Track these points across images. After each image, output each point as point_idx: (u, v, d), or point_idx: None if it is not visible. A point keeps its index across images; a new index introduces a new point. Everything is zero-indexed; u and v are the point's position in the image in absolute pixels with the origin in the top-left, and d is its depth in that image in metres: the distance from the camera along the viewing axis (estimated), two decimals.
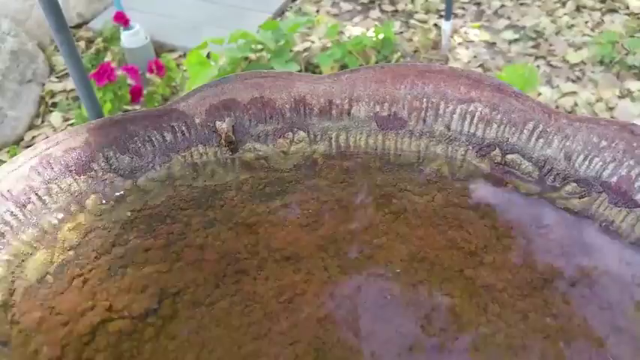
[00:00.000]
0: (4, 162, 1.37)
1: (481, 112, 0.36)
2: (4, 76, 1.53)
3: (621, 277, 0.31)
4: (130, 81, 1.43)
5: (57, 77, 1.68)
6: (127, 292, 0.34)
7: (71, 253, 0.34)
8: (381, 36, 1.59)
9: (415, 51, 1.68)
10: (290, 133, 0.38)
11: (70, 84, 1.60)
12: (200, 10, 1.86)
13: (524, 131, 0.35)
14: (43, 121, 1.55)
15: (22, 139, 1.50)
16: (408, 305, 0.36)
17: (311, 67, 1.59)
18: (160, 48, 1.70)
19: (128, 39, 1.56)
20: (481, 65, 1.63)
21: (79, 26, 1.85)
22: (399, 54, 1.61)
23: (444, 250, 0.36)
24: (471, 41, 1.73)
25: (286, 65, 1.45)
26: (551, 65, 1.62)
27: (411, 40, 1.74)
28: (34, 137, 1.50)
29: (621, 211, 0.32)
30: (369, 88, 0.38)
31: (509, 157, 0.35)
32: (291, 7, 1.91)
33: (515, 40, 1.72)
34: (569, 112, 1.45)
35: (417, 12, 1.87)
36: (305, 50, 1.68)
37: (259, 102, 0.38)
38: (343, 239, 0.37)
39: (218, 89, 0.38)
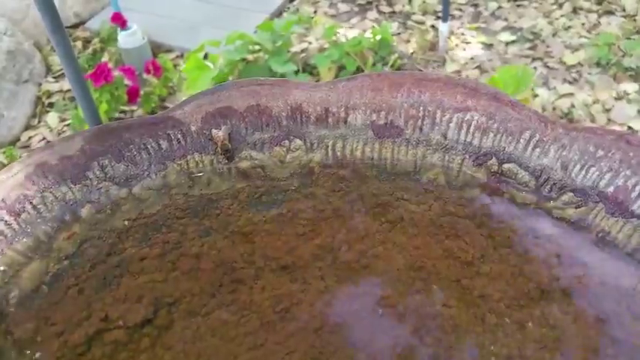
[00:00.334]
0: (0, 162, 1.36)
1: (477, 121, 0.36)
2: (0, 76, 1.52)
3: (618, 287, 0.31)
4: (126, 82, 1.43)
5: (54, 77, 1.67)
6: (123, 301, 0.34)
7: (66, 262, 0.34)
8: (378, 37, 1.59)
9: (412, 52, 1.68)
10: (286, 142, 0.38)
11: (66, 84, 1.59)
12: (197, 11, 1.86)
13: (521, 140, 0.35)
14: (39, 122, 1.55)
15: (18, 140, 1.49)
16: (404, 315, 0.36)
17: (308, 68, 1.59)
18: (157, 48, 1.70)
19: (125, 39, 1.55)
20: (478, 67, 1.63)
21: (76, 26, 1.84)
22: (396, 55, 1.61)
23: (440, 260, 0.35)
24: (468, 43, 1.73)
25: (284, 66, 1.45)
26: (547, 67, 1.63)
27: (408, 41, 1.74)
28: (30, 137, 1.50)
29: (618, 221, 0.32)
30: (365, 97, 0.38)
31: (505, 166, 0.35)
32: (288, 8, 1.91)
33: (512, 42, 1.73)
34: (566, 114, 1.45)
35: (414, 13, 1.87)
36: (302, 51, 1.67)
37: (256, 110, 0.38)
38: (340, 248, 0.37)
39: (214, 97, 0.38)
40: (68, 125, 1.50)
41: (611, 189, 0.33)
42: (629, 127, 1.41)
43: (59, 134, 1.49)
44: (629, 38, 1.67)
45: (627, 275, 0.31)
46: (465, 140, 0.36)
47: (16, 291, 0.32)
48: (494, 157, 0.35)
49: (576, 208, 0.33)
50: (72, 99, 1.56)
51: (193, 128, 0.37)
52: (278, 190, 0.38)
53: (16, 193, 0.33)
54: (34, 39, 1.71)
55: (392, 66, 1.58)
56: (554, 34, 1.74)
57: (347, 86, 0.38)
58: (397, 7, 1.91)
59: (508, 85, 1.30)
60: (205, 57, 1.48)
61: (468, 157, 0.36)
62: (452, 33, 1.75)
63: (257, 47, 1.51)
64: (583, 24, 1.77)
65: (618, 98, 1.50)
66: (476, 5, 1.90)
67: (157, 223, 0.36)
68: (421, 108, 0.37)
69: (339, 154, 0.38)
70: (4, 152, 1.42)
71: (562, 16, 1.81)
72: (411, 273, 0.36)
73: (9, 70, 1.55)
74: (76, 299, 0.33)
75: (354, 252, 0.37)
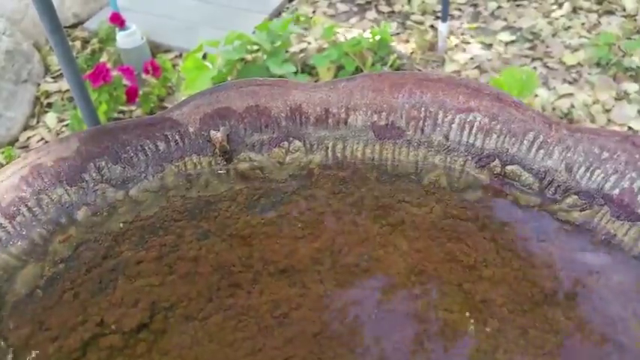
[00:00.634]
0: (0, 162, 1.36)
1: (480, 122, 0.35)
2: None
3: (624, 292, 0.30)
4: (125, 82, 1.42)
5: (52, 77, 1.67)
6: (119, 306, 0.34)
7: (62, 266, 0.33)
8: (377, 37, 1.59)
9: (412, 52, 1.68)
10: (286, 143, 0.37)
11: (65, 84, 1.59)
12: (196, 11, 1.85)
13: (525, 142, 0.34)
14: (38, 122, 1.54)
15: (16, 140, 1.49)
16: (405, 320, 0.35)
17: (307, 69, 1.58)
18: (155, 48, 1.69)
19: (124, 40, 1.55)
20: (477, 67, 1.63)
21: (74, 26, 1.84)
22: (395, 55, 1.61)
23: (442, 264, 0.35)
24: (468, 43, 1.73)
25: (282, 66, 1.44)
26: (547, 67, 1.62)
27: (407, 41, 1.73)
28: (29, 138, 1.49)
29: (624, 224, 0.32)
30: (366, 97, 0.37)
31: (509, 168, 0.35)
32: (287, 8, 1.90)
33: (512, 42, 1.72)
34: (566, 114, 1.45)
35: (413, 13, 1.86)
36: (301, 51, 1.67)
37: (254, 110, 0.37)
38: (340, 252, 0.36)
39: (212, 97, 0.37)
40: (67, 126, 1.49)
41: (616, 191, 0.32)
42: (630, 128, 1.41)
43: (58, 134, 1.48)
44: (629, 38, 1.67)
45: (633, 279, 0.30)
46: (467, 141, 0.35)
47: (10, 295, 0.32)
48: (497, 159, 0.35)
49: (581, 210, 0.33)
50: (70, 99, 1.55)
51: (191, 129, 0.36)
52: (277, 192, 0.37)
53: (11, 195, 0.33)
54: (33, 39, 1.71)
55: (391, 66, 1.57)
56: (553, 34, 1.73)
57: (347, 87, 0.37)
58: (396, 7, 1.90)
59: (512, 88, 1.29)
60: (204, 57, 1.48)
61: (470, 158, 0.35)
62: (451, 33, 1.74)
63: (255, 47, 1.50)
64: (583, 24, 1.77)
65: (618, 98, 1.49)
66: (475, 5, 1.89)
67: (153, 226, 0.35)
68: (423, 109, 0.36)
69: (339, 155, 0.37)
70: (2, 152, 1.41)
71: (562, 16, 1.81)
72: (411, 277, 0.35)
73: (8, 70, 1.55)
74: (71, 303, 0.33)
75: (354, 255, 0.36)
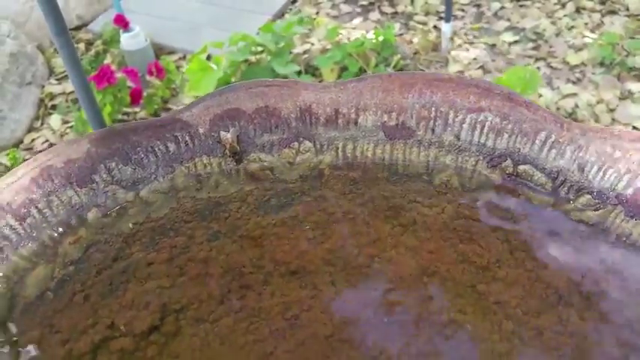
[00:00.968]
0: (4, 164, 1.36)
1: (491, 122, 0.35)
2: (3, 78, 1.52)
3: None
4: (129, 83, 1.42)
5: (56, 79, 1.67)
6: (129, 308, 0.33)
7: (72, 268, 0.33)
8: (380, 38, 1.59)
9: (415, 53, 1.68)
10: (296, 143, 0.37)
11: (69, 86, 1.59)
12: (200, 13, 1.85)
13: (536, 141, 0.34)
14: (42, 124, 1.54)
15: (21, 142, 1.49)
16: (418, 322, 0.35)
17: (311, 70, 1.58)
18: (159, 50, 1.69)
19: (128, 41, 1.55)
20: (481, 67, 1.63)
21: (78, 28, 1.84)
22: (398, 56, 1.60)
23: (455, 265, 0.35)
24: (471, 43, 1.72)
25: (286, 67, 1.44)
26: (551, 67, 1.62)
27: (410, 42, 1.73)
28: (33, 140, 1.49)
29: (638, 223, 0.31)
30: (376, 97, 0.37)
31: (521, 167, 0.34)
32: (290, 10, 1.90)
33: (515, 42, 1.72)
34: (570, 114, 1.44)
35: (416, 14, 1.86)
36: (305, 52, 1.67)
37: (264, 111, 0.37)
38: (351, 253, 0.36)
39: (222, 98, 0.37)
40: (71, 127, 1.49)
41: (629, 191, 0.32)
42: (634, 127, 1.40)
43: (62, 136, 1.48)
44: (632, 38, 1.66)
45: None
46: (478, 141, 0.35)
47: (20, 297, 0.32)
48: (509, 159, 0.35)
49: (595, 210, 0.33)
50: (74, 101, 1.55)
51: (201, 130, 0.36)
52: (287, 192, 0.37)
53: (22, 197, 0.33)
54: (37, 41, 1.71)
55: (394, 67, 1.57)
56: (557, 34, 1.73)
57: (357, 87, 0.37)
58: (399, 8, 1.90)
59: (515, 87, 1.29)
60: (208, 58, 1.48)
61: (482, 158, 0.35)
62: (454, 33, 1.74)
63: (260, 49, 1.50)
64: (586, 24, 1.76)
65: (622, 98, 1.49)
66: (478, 5, 1.89)
67: (164, 227, 0.35)
68: (433, 109, 0.36)
69: (349, 155, 0.37)
70: (7, 154, 1.41)
71: (565, 15, 1.80)
72: (424, 278, 0.35)
73: (12, 73, 1.55)
74: (81, 306, 0.33)
75: (366, 256, 0.36)
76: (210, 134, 0.36)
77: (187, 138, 0.36)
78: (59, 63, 1.66)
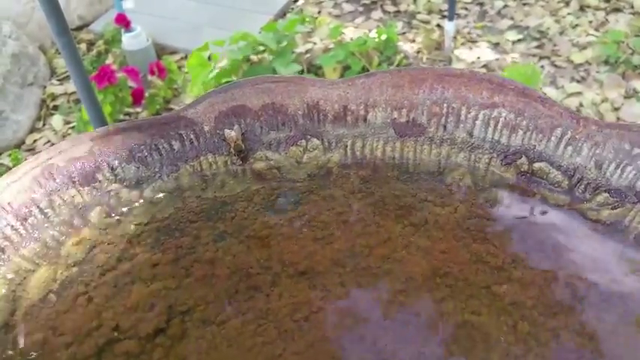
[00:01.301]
0: (5, 165, 1.35)
1: (505, 118, 0.34)
2: (5, 79, 1.51)
3: None
4: (130, 83, 1.42)
5: (58, 80, 1.66)
6: (134, 310, 0.33)
7: (75, 269, 0.32)
8: (383, 37, 1.58)
9: (418, 52, 1.67)
10: (303, 141, 0.36)
11: (71, 87, 1.58)
12: (202, 12, 1.85)
13: (552, 138, 0.33)
14: (44, 124, 1.54)
15: (23, 143, 1.48)
16: (431, 324, 0.34)
17: (313, 69, 1.57)
18: (161, 50, 1.69)
19: (129, 41, 1.54)
20: (485, 66, 1.62)
21: (80, 28, 1.83)
22: (401, 55, 1.60)
23: (468, 265, 0.34)
24: (475, 42, 1.71)
25: (288, 66, 1.44)
26: (555, 65, 1.61)
27: (413, 40, 1.72)
28: (35, 140, 1.49)
29: None
30: (385, 93, 0.36)
31: (536, 165, 0.33)
32: (292, 9, 1.89)
33: (519, 41, 1.71)
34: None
35: (419, 12, 1.85)
36: (307, 52, 1.66)
37: (270, 108, 0.36)
38: (360, 253, 0.35)
39: (227, 95, 0.36)
40: (73, 128, 1.48)
41: None
42: None
43: (64, 137, 1.48)
44: (637, 36, 1.65)
45: None
46: (492, 138, 0.34)
47: (23, 300, 0.31)
48: (523, 156, 0.34)
49: (612, 209, 0.32)
50: (76, 101, 1.55)
51: (206, 128, 0.36)
52: (295, 191, 0.36)
53: (23, 196, 0.32)
54: (39, 42, 1.71)
55: (397, 66, 1.56)
56: (561, 33, 1.72)
57: (366, 83, 0.36)
58: (402, 7, 1.89)
59: None
60: (209, 59, 1.47)
61: (495, 156, 0.34)
62: (458, 32, 1.73)
63: (261, 48, 1.50)
64: (590, 22, 1.75)
65: (627, 96, 1.48)
66: (482, 4, 1.88)
67: (169, 228, 0.35)
68: (445, 105, 0.35)
69: (358, 153, 0.36)
70: (9, 155, 1.40)
71: (569, 14, 1.79)
72: (436, 279, 0.34)
73: (14, 74, 1.54)
74: (85, 308, 0.32)
75: (376, 257, 0.35)
76: (216, 132, 0.35)
77: (192, 136, 0.35)
78: (61, 63, 1.66)
